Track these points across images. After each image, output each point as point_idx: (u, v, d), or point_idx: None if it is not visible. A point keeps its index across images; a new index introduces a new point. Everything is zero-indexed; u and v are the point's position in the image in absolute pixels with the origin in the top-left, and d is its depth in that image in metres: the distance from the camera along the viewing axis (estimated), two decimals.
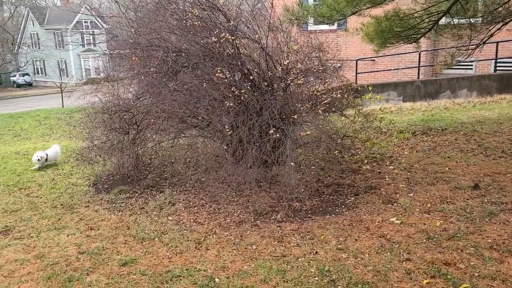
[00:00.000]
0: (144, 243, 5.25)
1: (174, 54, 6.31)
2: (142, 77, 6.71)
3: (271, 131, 5.41)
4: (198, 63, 6.16)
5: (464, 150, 7.53)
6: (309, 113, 5.77)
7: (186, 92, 6.44)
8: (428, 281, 3.87)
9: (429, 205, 5.47)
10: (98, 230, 5.72)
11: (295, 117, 5.30)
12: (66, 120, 15.31)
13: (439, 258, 4.20)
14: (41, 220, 6.20)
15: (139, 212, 6.24)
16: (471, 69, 15.42)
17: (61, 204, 6.80)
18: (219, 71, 5.84)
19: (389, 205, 5.62)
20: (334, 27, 15.81)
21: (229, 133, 5.73)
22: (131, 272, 4.53)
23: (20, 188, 7.81)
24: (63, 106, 20.48)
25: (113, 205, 6.61)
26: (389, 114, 10.29)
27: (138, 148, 7.65)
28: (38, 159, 9.02)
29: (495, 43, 12.99)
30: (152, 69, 6.31)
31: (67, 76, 42.77)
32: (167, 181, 7.43)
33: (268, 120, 5.77)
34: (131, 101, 7.57)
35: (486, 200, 5.44)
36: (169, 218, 5.95)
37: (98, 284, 4.33)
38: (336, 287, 3.94)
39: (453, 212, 5.20)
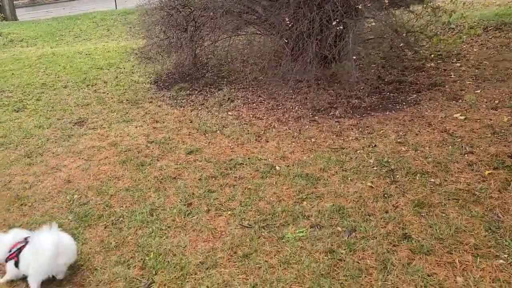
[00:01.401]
0: (206, 134, 5.52)
1: None
2: None
3: (334, 23, 5.20)
4: None
5: None
6: (374, 3, 5.43)
7: None
8: (490, 172, 3.85)
9: (497, 101, 5.24)
10: (163, 123, 6.04)
11: (359, 6, 5.02)
12: (122, 21, 15.54)
13: (504, 151, 4.13)
14: (110, 114, 6.61)
15: (199, 108, 6.48)
16: None
17: (127, 100, 7.16)
18: None
19: (453, 101, 5.44)
20: None
21: (290, 25, 5.58)
22: (197, 159, 4.85)
23: (87, 84, 8.24)
24: (116, 8, 20.50)
25: (175, 101, 6.88)
26: (459, 8, 9.48)
27: (196, 46, 7.69)
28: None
29: None
30: None
31: None
32: (225, 79, 7.54)
33: (330, 13, 5.53)
34: None
35: None
36: (229, 113, 6.14)
37: (168, 168, 4.70)
38: (395, 176, 4.03)
39: None
